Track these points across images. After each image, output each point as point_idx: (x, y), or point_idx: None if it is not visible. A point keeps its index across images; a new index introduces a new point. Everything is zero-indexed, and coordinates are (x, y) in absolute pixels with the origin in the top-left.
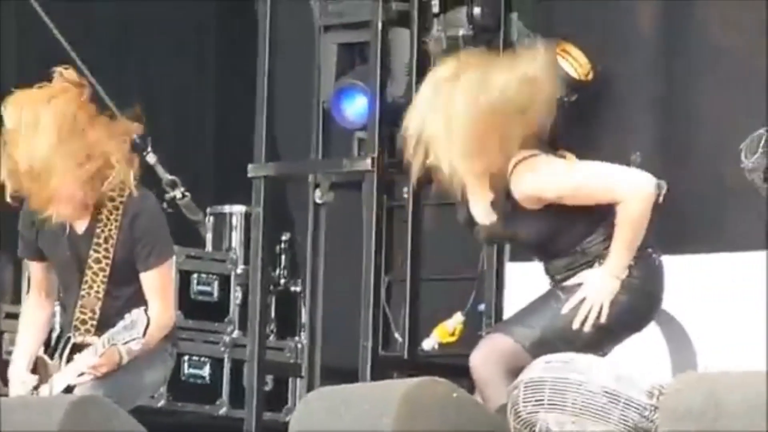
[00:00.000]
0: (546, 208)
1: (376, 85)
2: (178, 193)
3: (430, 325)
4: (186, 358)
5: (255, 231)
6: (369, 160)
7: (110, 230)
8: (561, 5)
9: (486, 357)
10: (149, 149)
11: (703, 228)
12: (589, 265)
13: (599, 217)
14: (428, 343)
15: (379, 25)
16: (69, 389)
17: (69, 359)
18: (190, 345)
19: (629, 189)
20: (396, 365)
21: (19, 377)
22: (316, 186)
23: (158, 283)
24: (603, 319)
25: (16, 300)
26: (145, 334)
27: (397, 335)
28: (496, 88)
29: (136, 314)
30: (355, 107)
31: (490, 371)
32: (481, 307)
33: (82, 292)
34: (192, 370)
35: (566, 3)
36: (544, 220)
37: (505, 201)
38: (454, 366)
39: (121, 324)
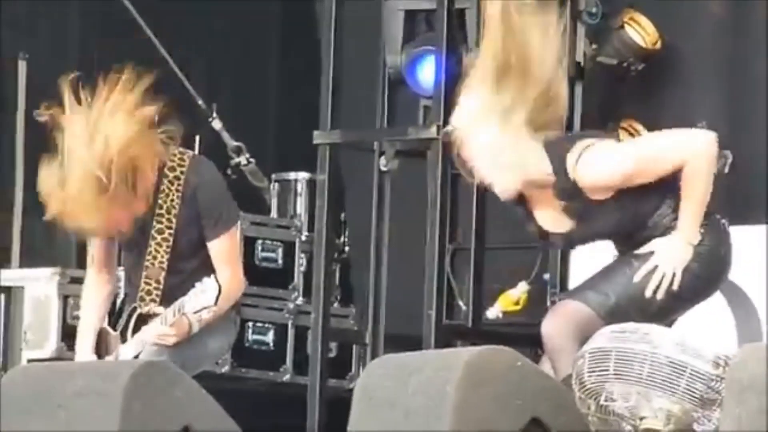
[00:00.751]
0: (618, 194)
1: (442, 53)
2: (243, 159)
3: (494, 294)
4: (250, 324)
5: (320, 198)
6: (434, 128)
7: (172, 201)
8: None
9: (560, 325)
10: (214, 115)
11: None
12: (660, 235)
13: (666, 189)
14: (492, 312)
15: None
16: (135, 359)
17: (135, 330)
18: (254, 311)
19: (691, 146)
20: (460, 334)
21: (84, 358)
22: (381, 153)
23: (226, 251)
24: (675, 287)
25: (81, 265)
26: (216, 302)
27: (461, 304)
28: None
29: (208, 282)
30: (430, 73)
31: (564, 340)
32: (546, 276)
33: (146, 263)
34: (256, 336)
35: None
36: (619, 208)
37: (576, 202)
38: (518, 335)
39: (192, 292)
